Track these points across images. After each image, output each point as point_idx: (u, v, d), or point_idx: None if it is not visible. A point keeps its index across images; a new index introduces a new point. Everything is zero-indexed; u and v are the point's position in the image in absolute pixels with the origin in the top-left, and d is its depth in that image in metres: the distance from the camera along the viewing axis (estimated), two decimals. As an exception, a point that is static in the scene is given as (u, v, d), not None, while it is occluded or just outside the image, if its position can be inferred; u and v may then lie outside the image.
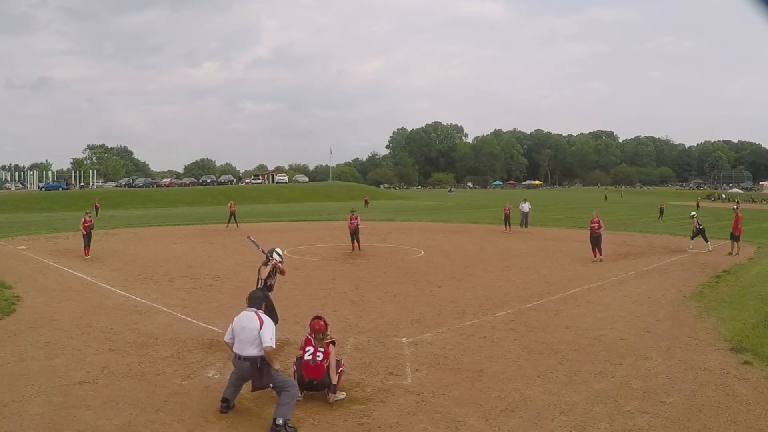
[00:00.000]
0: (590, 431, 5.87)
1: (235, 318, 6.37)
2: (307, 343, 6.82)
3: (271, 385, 6.14)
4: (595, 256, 18.03)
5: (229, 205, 31.81)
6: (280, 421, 5.74)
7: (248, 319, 6.22)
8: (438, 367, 7.82)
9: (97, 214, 39.00)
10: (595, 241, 18.18)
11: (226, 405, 6.28)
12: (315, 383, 6.63)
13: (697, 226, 20.75)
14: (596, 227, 18.29)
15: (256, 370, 6.09)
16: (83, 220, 19.11)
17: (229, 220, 30.47)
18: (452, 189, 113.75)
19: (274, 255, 9.01)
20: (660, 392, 6.86)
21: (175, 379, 7.27)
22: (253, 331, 6.11)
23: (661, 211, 37.26)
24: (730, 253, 19.22)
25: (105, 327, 9.77)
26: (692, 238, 20.96)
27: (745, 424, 5.98)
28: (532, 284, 14.09)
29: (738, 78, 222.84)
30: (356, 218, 20.68)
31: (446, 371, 7.64)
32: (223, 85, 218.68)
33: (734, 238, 19.76)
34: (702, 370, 7.62)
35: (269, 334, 6.10)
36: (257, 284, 8.71)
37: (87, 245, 18.47)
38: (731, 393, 6.79)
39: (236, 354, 6.19)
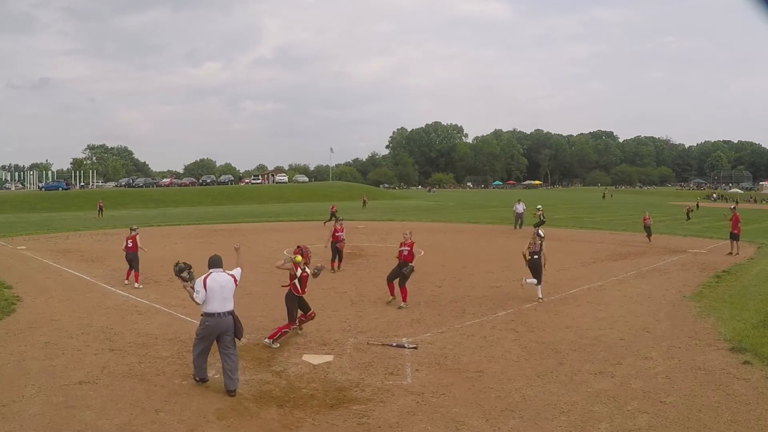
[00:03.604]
0: (590, 431, 5.87)
1: (207, 281, 6.91)
2: (296, 267, 9.06)
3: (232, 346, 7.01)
4: (393, 294, 11.82)
5: (331, 206, 33.06)
6: (234, 389, 6.77)
7: (222, 278, 7.02)
8: (438, 367, 7.82)
9: (101, 214, 39.00)
10: (401, 277, 11.61)
11: (207, 378, 7.06)
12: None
13: (541, 218, 25.09)
14: (406, 254, 11.56)
15: (237, 320, 7.04)
16: (127, 238, 14.43)
17: (330, 219, 31.29)
18: (433, 189, 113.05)
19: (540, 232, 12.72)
20: (660, 392, 6.86)
21: (175, 379, 7.27)
22: (231, 288, 7.03)
23: (689, 213, 37.15)
24: (730, 253, 19.22)
25: (105, 327, 9.77)
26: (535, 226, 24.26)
27: (745, 424, 5.98)
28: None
29: (738, 78, 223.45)
30: (342, 229, 17.19)
31: (446, 371, 7.64)
32: (224, 85, 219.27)
33: (734, 237, 19.78)
34: (702, 370, 7.62)
35: (238, 272, 7.32)
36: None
37: (135, 269, 14.20)
38: (731, 393, 6.80)
39: (217, 312, 6.87)
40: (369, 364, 7.90)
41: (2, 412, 6.13)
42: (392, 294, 11.76)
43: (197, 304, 7.03)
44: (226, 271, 7.18)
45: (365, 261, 18.22)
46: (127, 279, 14.17)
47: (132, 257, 14.13)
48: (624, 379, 7.35)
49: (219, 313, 6.88)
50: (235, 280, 7.15)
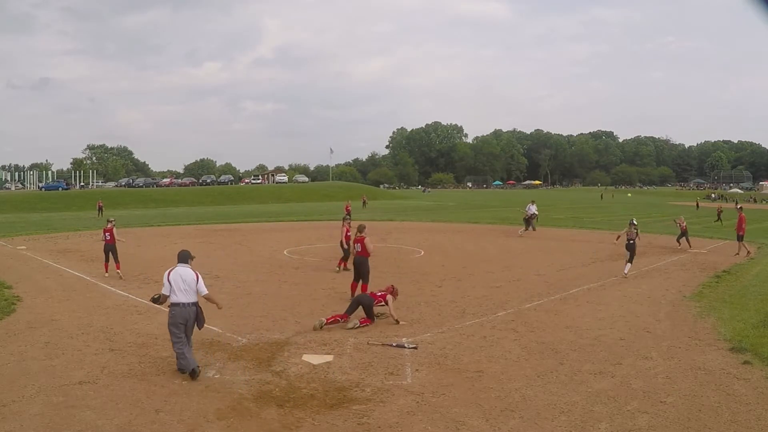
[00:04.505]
0: (590, 431, 5.87)
1: (171, 273, 7.53)
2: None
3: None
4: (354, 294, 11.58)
5: (346, 205, 33.46)
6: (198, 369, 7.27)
7: (186, 273, 7.56)
8: (438, 367, 7.81)
9: (101, 214, 39.01)
10: (362, 275, 11.84)
11: (195, 373, 7.23)
12: (368, 297, 10.16)
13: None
14: (360, 250, 11.72)
15: (199, 312, 7.56)
16: (104, 230, 15.27)
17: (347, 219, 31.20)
18: (427, 189, 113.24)
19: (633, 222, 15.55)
20: (660, 392, 6.86)
21: (175, 379, 7.27)
22: (193, 283, 7.51)
23: (720, 214, 34.72)
24: (748, 254, 19.09)
25: (105, 327, 9.77)
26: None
27: (745, 424, 5.98)
28: (532, 284, 14.09)
29: (739, 78, 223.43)
30: (350, 230, 15.27)
31: (446, 371, 7.64)
32: (224, 85, 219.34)
33: (739, 238, 19.70)
34: (702, 370, 7.62)
35: (203, 284, 7.62)
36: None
37: (115, 260, 14.87)
38: (731, 393, 6.79)
39: (182, 302, 7.42)
40: (369, 364, 7.89)
41: (2, 412, 6.12)
42: (353, 294, 11.71)
43: (167, 296, 7.61)
44: (192, 268, 7.73)
45: (365, 261, 18.21)
46: (107, 271, 14.88)
47: (110, 248, 14.85)
48: (624, 379, 7.35)
49: (182, 303, 7.43)
50: (198, 277, 7.59)
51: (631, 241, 15.01)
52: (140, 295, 12.43)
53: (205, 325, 7.81)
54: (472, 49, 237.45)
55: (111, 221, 15.52)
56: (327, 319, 9.77)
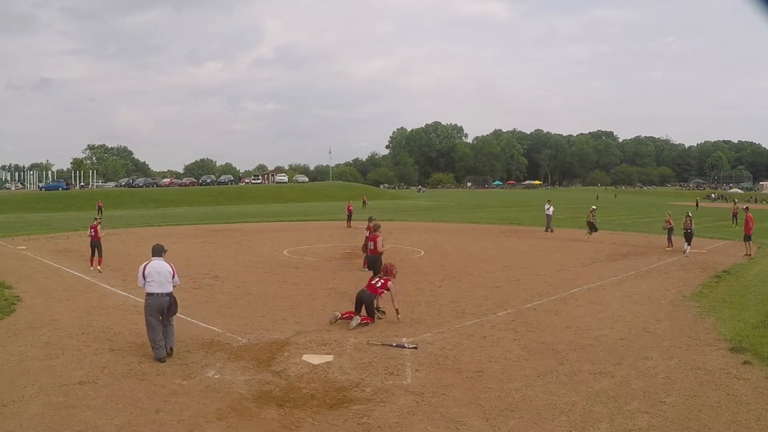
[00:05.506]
0: (590, 431, 5.87)
1: (147, 266, 8.08)
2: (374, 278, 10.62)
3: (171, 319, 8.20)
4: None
5: (347, 205, 33.49)
6: (171, 347, 7.99)
7: (161, 265, 8.13)
8: (438, 367, 7.81)
9: (101, 213, 39.03)
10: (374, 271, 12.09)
11: (164, 358, 7.84)
12: (368, 294, 10.03)
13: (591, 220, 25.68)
14: (372, 249, 12.49)
15: (173, 301, 8.10)
16: (90, 227, 16.32)
17: (349, 220, 31.21)
18: (422, 189, 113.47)
19: None
20: (660, 392, 6.85)
21: (175, 379, 7.27)
22: (168, 274, 8.10)
23: (735, 216, 32.87)
24: (748, 255, 18.97)
25: (105, 327, 9.77)
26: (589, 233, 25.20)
27: (745, 424, 5.97)
28: (532, 284, 14.09)
29: (739, 78, 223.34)
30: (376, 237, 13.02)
31: (446, 371, 7.64)
32: (224, 85, 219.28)
33: (746, 238, 19.64)
34: (702, 370, 7.61)
35: (177, 277, 8.31)
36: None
37: (99, 255, 15.85)
38: (731, 393, 6.79)
39: (157, 293, 7.96)
40: (369, 364, 7.89)
41: (2, 412, 6.12)
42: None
43: (140, 287, 8.22)
44: (166, 261, 8.28)
45: (365, 261, 18.19)
46: (92, 266, 15.75)
47: (95, 244, 15.84)
48: (624, 379, 7.35)
49: (156, 294, 7.98)
50: (173, 269, 8.22)
51: (688, 230, 19.53)
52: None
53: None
54: (472, 49, 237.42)
55: (97, 219, 17.04)
56: (342, 314, 9.94)
